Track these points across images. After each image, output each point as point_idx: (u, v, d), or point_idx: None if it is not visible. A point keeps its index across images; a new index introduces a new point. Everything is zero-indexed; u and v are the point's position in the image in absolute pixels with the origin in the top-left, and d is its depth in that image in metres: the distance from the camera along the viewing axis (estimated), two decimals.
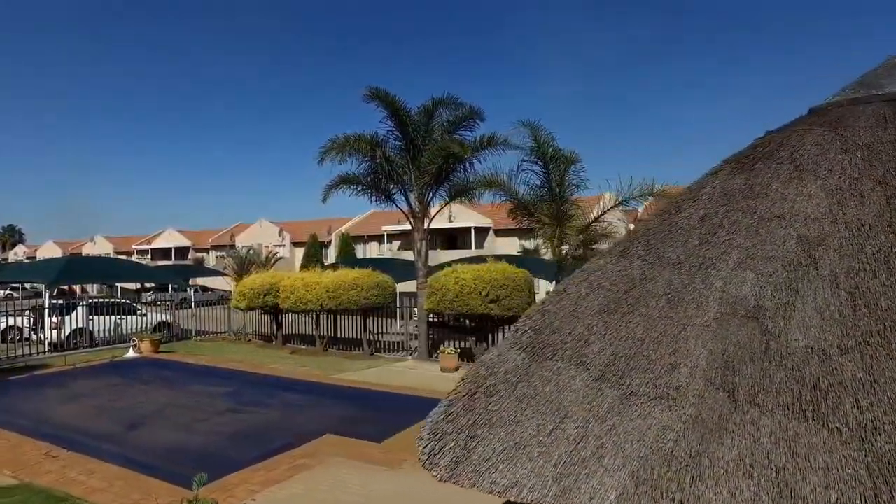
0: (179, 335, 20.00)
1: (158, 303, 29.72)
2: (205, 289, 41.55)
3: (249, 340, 19.67)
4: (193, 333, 20.93)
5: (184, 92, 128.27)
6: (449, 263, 26.31)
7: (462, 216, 38.00)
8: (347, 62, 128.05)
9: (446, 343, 14.99)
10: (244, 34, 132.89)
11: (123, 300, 21.02)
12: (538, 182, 13.39)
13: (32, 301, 38.17)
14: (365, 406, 9.93)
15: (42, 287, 57.35)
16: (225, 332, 21.11)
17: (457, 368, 13.11)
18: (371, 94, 14.16)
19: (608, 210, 12.56)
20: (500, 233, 37.93)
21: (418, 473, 6.74)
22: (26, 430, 8.48)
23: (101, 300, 20.49)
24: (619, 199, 12.39)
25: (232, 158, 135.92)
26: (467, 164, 14.57)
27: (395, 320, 19.66)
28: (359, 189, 15.68)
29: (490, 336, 14.54)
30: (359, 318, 18.08)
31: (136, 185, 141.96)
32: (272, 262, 43.12)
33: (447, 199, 15.72)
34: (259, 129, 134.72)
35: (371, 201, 15.83)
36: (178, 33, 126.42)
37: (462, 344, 16.80)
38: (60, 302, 18.61)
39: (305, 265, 37.31)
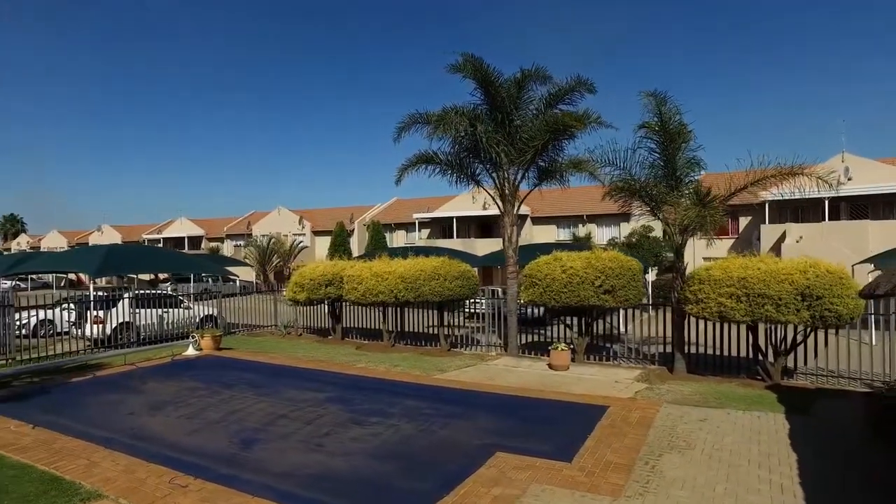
0: (225, 330, 18.60)
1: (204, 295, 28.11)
2: (226, 279, 40.10)
3: (300, 335, 18.30)
4: (240, 328, 19.54)
5: (189, 81, 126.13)
6: (498, 253, 25.00)
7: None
8: (343, 54, 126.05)
9: (519, 336, 13.74)
10: (248, 21, 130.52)
11: (168, 292, 19.50)
12: (652, 161, 12.00)
13: (41, 293, 36.75)
14: (503, 413, 8.57)
15: (48, 277, 55.89)
16: (271, 326, 19.76)
17: (568, 367, 11.80)
18: (463, 62, 12.72)
19: (739, 191, 11.14)
20: (537, 221, 36.51)
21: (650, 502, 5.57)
22: (126, 447, 7.12)
23: (147, 292, 19.01)
24: (752, 180, 10.94)
25: (239, 145, 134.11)
26: (564, 142, 13.18)
27: (449, 313, 18.25)
28: (438, 169, 14.29)
29: (593, 329, 13.26)
30: (426, 311, 16.82)
31: (141, 172, 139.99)
32: (296, 251, 41.72)
33: (535, 180, 14.25)
34: (267, 117, 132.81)
35: (451, 182, 14.44)
36: (184, 19, 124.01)
37: (532, 337, 15.57)
38: (103, 294, 17.13)
39: (331, 255, 35.93)
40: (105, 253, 17.51)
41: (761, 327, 10.62)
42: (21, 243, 74.89)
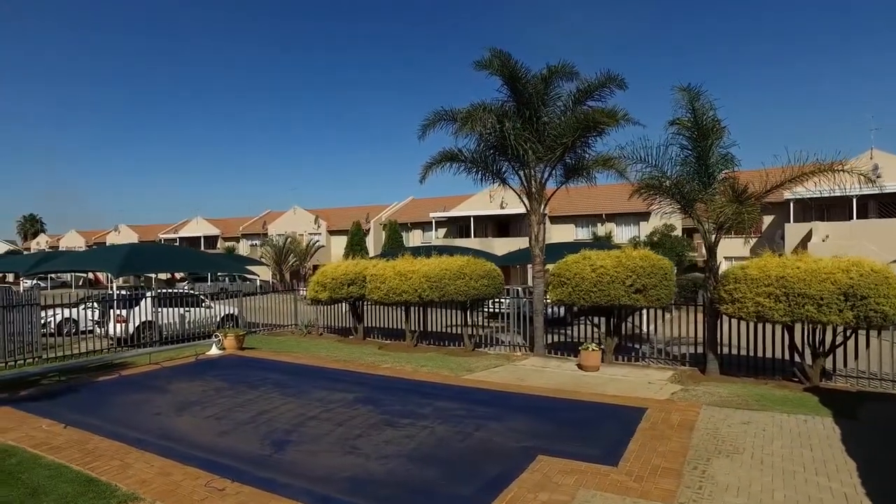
0: (246, 329, 18.53)
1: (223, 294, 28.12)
2: (243, 278, 40.24)
3: (321, 334, 18.20)
4: (260, 327, 19.48)
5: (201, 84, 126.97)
6: (524, 250, 24.75)
7: (514, 202, 36.26)
8: (354, 52, 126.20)
9: (544, 336, 13.52)
10: (260, 20, 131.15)
11: (189, 291, 19.48)
12: (684, 157, 11.74)
13: (59, 292, 37.05)
14: (540, 415, 8.36)
15: (67, 277, 56.43)
16: (291, 326, 19.68)
17: (598, 368, 11.57)
18: (491, 57, 12.52)
19: (777, 187, 10.84)
20: (555, 220, 36.18)
21: None
22: (158, 448, 7.02)
23: (168, 291, 19.02)
24: (790, 176, 10.63)
25: (253, 146, 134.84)
26: (594, 139, 12.94)
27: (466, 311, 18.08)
28: (462, 167, 14.11)
29: (622, 328, 13.02)
30: (445, 311, 16.68)
31: (153, 173, 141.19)
32: (313, 251, 41.73)
33: (562, 178, 14.00)
34: (282, 116, 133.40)
35: (476, 180, 14.25)
36: (201, 19, 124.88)
37: (554, 337, 15.32)
38: (125, 293, 17.13)
39: (348, 254, 35.87)
40: (126, 252, 17.51)
41: (797, 328, 10.33)
42: (40, 243, 75.76)
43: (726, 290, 10.56)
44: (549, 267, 14.38)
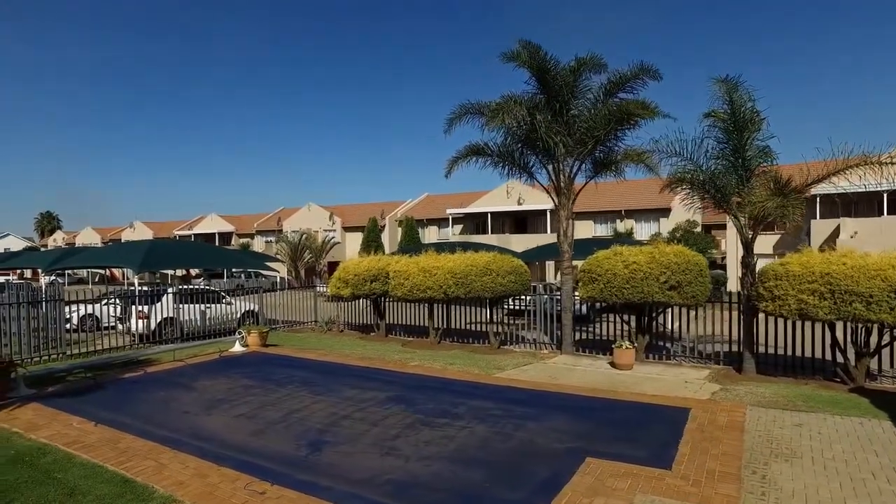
0: (269, 326, 18.40)
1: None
2: (258, 275, 40.25)
3: (342, 331, 18.03)
4: (279, 323, 19.35)
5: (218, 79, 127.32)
6: (543, 247, 24.46)
7: (532, 198, 35.99)
8: (367, 49, 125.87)
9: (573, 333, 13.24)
10: (272, 19, 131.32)
11: (210, 287, 19.38)
12: (720, 150, 11.39)
13: (75, 288, 37.28)
14: (579, 415, 8.10)
15: (83, 273, 56.75)
16: (311, 322, 19.54)
17: (632, 366, 11.28)
18: (519, 49, 12.25)
19: (821, 179, 10.45)
20: (573, 216, 35.72)
21: None
22: (191, 448, 6.84)
23: (189, 287, 18.93)
24: (835, 169, 10.24)
25: (265, 144, 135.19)
26: (627, 132, 12.63)
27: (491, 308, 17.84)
28: (489, 161, 13.84)
29: (653, 326, 12.74)
30: (466, 307, 16.46)
31: (167, 171, 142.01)
32: (328, 247, 41.64)
33: (590, 173, 13.68)
34: (291, 114, 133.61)
35: (503, 175, 13.97)
36: (215, 17, 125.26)
37: (577, 334, 15.03)
38: (147, 289, 17.05)
39: (364, 251, 35.73)
40: (147, 248, 17.42)
41: (839, 326, 9.98)
42: (57, 240, 76.44)
43: (766, 287, 10.23)
44: (577, 263, 14.11)
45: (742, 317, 11.36)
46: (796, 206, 10.01)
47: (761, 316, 10.80)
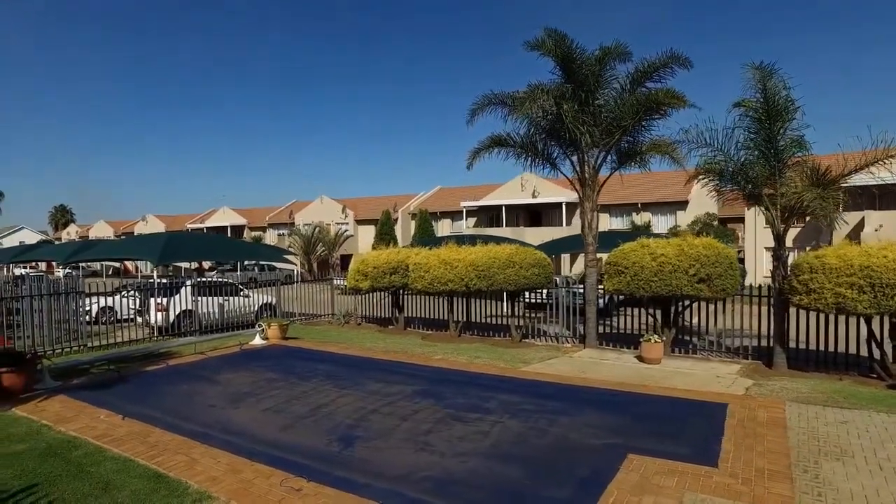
0: (289, 319, 18.32)
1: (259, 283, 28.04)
2: (271, 268, 40.29)
3: (360, 324, 17.91)
4: (296, 316, 19.26)
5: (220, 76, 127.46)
6: (559, 240, 24.23)
7: (547, 191, 35.70)
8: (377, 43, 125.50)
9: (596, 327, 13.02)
10: (285, 12, 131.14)
11: (227, 280, 19.31)
12: (753, 141, 11.11)
13: (91, 280, 37.41)
14: (613, 410, 7.91)
15: (97, 266, 57.02)
16: (327, 315, 19.43)
17: (660, 360, 11.08)
18: (544, 38, 12.01)
19: (860, 168, 10.15)
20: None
21: None
22: (221, 443, 6.73)
23: (207, 280, 18.88)
24: (874, 158, 9.93)
25: (276, 136, 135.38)
26: (655, 122, 12.38)
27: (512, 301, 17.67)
28: (511, 152, 13.64)
29: (679, 319, 12.53)
30: (487, 301, 16.32)
31: (178, 165, 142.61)
32: (341, 240, 41.57)
33: (614, 164, 13.42)
34: (308, 109, 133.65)
35: (526, 166, 13.77)
36: (225, 13, 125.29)
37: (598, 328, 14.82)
38: (165, 282, 17.00)
39: (377, 244, 35.62)
40: (166, 240, 17.37)
41: (874, 320, 9.71)
42: (70, 233, 76.92)
43: (800, 280, 9.97)
44: (603, 256, 13.91)
45: (773, 310, 11.11)
46: (835, 197, 9.72)
47: (796, 310, 10.55)
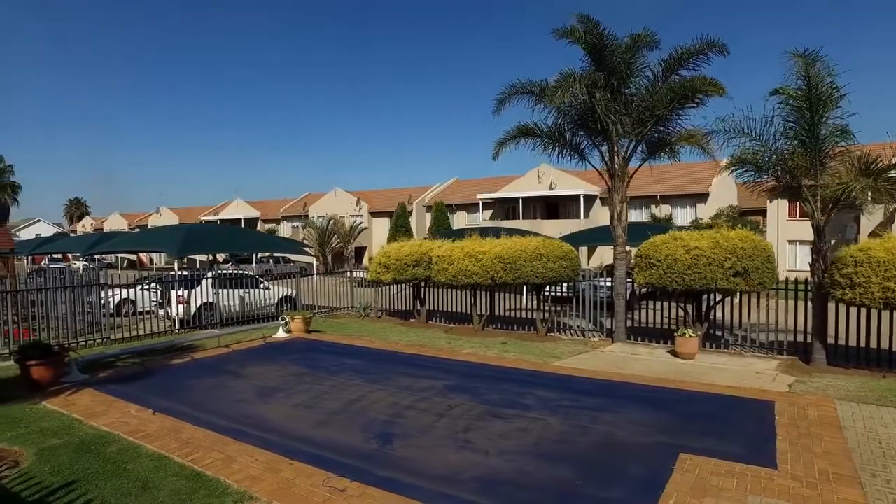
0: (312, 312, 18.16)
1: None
2: (286, 260, 40.24)
3: (380, 318, 17.73)
4: (315, 309, 19.11)
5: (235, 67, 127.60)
6: (578, 233, 23.88)
7: (564, 183, 35.30)
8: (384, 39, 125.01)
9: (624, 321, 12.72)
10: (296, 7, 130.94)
11: (247, 272, 19.19)
12: (793, 130, 10.74)
13: (106, 272, 37.62)
14: (655, 407, 7.65)
15: (112, 258, 57.19)
16: (347, 308, 19.27)
17: (695, 355, 10.80)
18: (575, 24, 11.70)
19: None
20: (606, 201, 35.02)
21: None
22: (255, 440, 6.53)
23: (228, 272, 18.77)
24: None
25: (289, 130, 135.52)
26: (689, 111, 12.05)
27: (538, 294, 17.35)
28: (538, 143, 13.34)
29: (711, 314, 12.22)
30: (509, 294, 16.06)
31: (191, 157, 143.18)
32: (356, 233, 41.44)
33: (644, 154, 13.09)
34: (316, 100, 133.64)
35: (553, 157, 13.50)
36: (241, 9, 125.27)
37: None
38: (186, 274, 16.90)
39: (393, 236, 35.44)
40: (185, 232, 17.26)
41: None
42: (85, 225, 77.38)
43: (843, 274, 9.63)
44: (631, 249, 13.62)
45: (813, 305, 10.78)
46: (888, 187, 9.35)
47: (836, 305, 10.22)
